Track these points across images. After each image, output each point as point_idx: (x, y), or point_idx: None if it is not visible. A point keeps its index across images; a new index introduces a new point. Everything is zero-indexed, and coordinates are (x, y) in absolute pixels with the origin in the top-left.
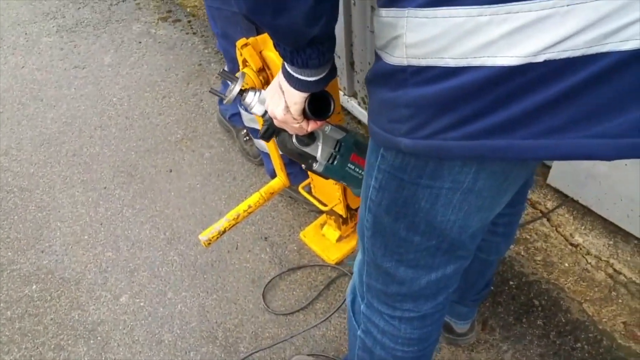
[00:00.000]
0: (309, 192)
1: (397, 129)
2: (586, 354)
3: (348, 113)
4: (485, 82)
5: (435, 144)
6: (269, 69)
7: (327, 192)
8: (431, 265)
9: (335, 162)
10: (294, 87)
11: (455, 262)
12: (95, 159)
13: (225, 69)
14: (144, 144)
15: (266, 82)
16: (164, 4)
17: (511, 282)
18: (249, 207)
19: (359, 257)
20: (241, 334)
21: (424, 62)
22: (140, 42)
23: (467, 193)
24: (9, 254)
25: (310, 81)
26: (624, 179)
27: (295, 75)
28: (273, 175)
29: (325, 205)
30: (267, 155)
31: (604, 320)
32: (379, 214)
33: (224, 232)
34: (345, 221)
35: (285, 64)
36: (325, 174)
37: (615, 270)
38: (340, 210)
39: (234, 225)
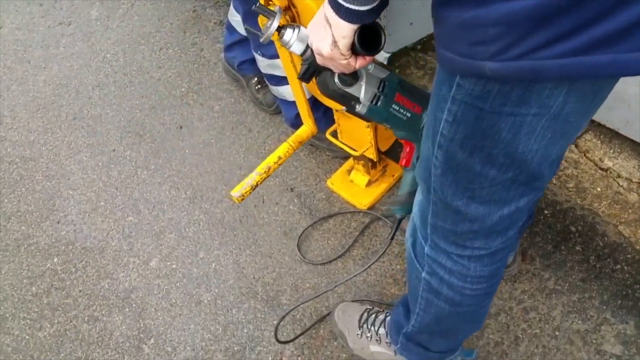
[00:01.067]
0: (336, 137)
1: (481, 52)
2: (627, 275)
3: None
4: None
5: (527, 65)
6: (294, 6)
7: (356, 136)
8: (505, 199)
9: (379, 103)
10: (343, 19)
11: (529, 193)
12: (98, 120)
13: (229, 16)
14: (147, 101)
15: (292, 21)
16: None
17: (546, 211)
18: (279, 158)
19: (418, 197)
20: (281, 287)
21: None
22: None
23: (554, 119)
24: (23, 228)
25: (363, 11)
26: None
27: (346, 4)
28: (293, 123)
29: (355, 150)
30: (285, 102)
31: None
32: (452, 150)
33: (257, 186)
34: (374, 165)
35: None
36: (368, 116)
37: None
38: (371, 154)
39: (265, 178)
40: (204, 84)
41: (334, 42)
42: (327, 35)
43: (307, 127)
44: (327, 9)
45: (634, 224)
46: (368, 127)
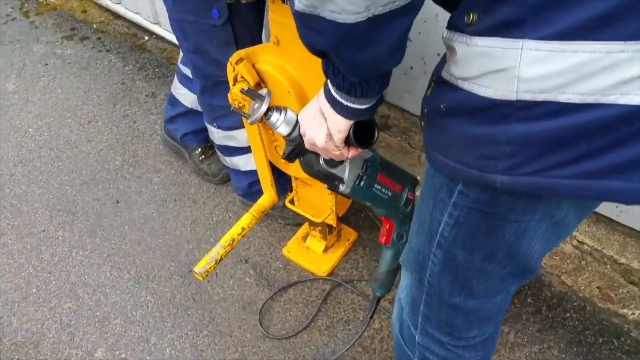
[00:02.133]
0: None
1: (492, 166)
2: (576, 322)
3: None
4: (612, 121)
5: (539, 182)
6: (263, 82)
7: (314, 203)
8: (499, 289)
9: (362, 183)
10: (341, 115)
11: (519, 282)
12: (23, 199)
13: (173, 89)
14: (78, 176)
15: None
16: (64, 21)
17: None
18: (243, 229)
19: (404, 282)
20: None
21: (540, 97)
22: (46, 64)
23: (555, 225)
24: None
25: (361, 109)
26: None
27: (344, 102)
28: (245, 193)
29: (315, 217)
30: (238, 172)
31: (582, 288)
32: (452, 250)
33: (221, 259)
34: (330, 230)
35: (332, 90)
36: (350, 195)
37: (579, 241)
38: (332, 220)
39: (229, 251)
40: (139, 157)
41: (329, 135)
42: (322, 127)
43: (269, 196)
44: (322, 103)
45: (573, 273)
46: (330, 193)
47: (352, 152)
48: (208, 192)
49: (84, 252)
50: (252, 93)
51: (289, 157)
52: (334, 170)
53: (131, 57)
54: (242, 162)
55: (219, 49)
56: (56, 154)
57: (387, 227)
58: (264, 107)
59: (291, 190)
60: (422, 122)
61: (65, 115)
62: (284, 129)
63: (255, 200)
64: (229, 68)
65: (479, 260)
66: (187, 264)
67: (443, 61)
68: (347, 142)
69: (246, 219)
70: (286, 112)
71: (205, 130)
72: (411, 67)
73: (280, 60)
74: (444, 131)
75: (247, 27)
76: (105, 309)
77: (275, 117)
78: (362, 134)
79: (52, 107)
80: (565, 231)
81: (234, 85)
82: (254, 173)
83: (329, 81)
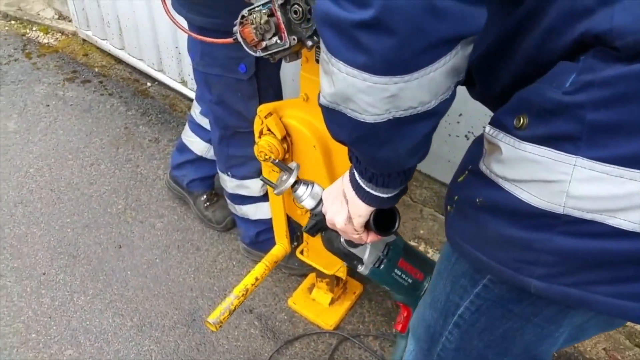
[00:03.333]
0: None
1: (529, 270)
2: None
3: None
4: None
5: (576, 294)
6: (289, 136)
7: (325, 255)
8: None
9: (382, 267)
10: (363, 200)
11: None
12: (24, 240)
13: (184, 136)
14: (80, 219)
15: (287, 150)
16: (65, 64)
17: None
18: (256, 279)
19: (410, 348)
20: None
21: (588, 216)
22: (48, 106)
23: (577, 330)
24: None
25: (382, 197)
26: None
27: (367, 189)
28: (253, 241)
29: (326, 269)
30: (246, 221)
31: (588, 349)
32: (470, 334)
33: (234, 310)
34: (337, 282)
35: (356, 175)
36: (369, 277)
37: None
38: (342, 273)
39: (243, 301)
40: (142, 201)
41: (349, 218)
42: (343, 210)
43: (282, 246)
44: (346, 186)
45: None
46: None
47: (371, 237)
48: (211, 239)
49: (85, 297)
50: (282, 165)
51: (311, 231)
52: (354, 250)
53: (134, 102)
54: (252, 211)
55: (243, 101)
56: (57, 196)
57: (405, 315)
58: (292, 180)
59: (301, 241)
60: (449, 207)
61: (66, 156)
62: (308, 203)
63: (262, 250)
64: (257, 121)
65: (494, 354)
66: (190, 313)
67: (477, 150)
68: (367, 226)
69: (259, 269)
70: (313, 186)
71: (211, 177)
72: None
73: (308, 115)
74: (478, 226)
75: (271, 81)
76: (108, 357)
77: (301, 190)
78: (382, 220)
79: (53, 148)
80: (583, 337)
81: (260, 137)
82: (262, 222)
83: (354, 168)
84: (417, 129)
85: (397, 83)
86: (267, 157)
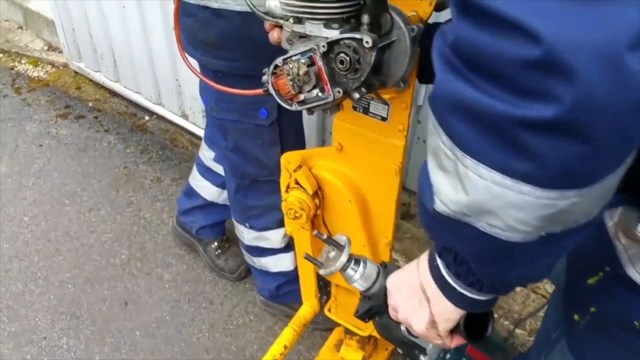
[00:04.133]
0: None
1: None
2: None
3: None
4: None
5: None
6: (320, 189)
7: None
8: None
9: (449, 356)
10: (453, 302)
11: None
12: (21, 300)
13: (192, 181)
14: (81, 273)
15: (319, 206)
16: (57, 98)
17: None
18: (285, 347)
19: None
20: None
21: None
22: (41, 145)
23: None
24: None
25: (480, 300)
26: None
27: (459, 289)
28: (273, 295)
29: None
30: (265, 273)
31: None
32: None
33: None
34: (369, 339)
35: (443, 270)
36: None
37: None
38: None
39: None
40: (147, 250)
41: (432, 322)
42: (423, 310)
43: (310, 306)
44: (426, 280)
45: None
46: None
47: (456, 342)
48: (225, 290)
49: None
50: (331, 241)
51: (362, 317)
52: (417, 339)
53: (132, 138)
54: (271, 263)
55: (263, 148)
56: (55, 247)
57: None
58: (344, 259)
59: (327, 295)
60: (578, 317)
61: (63, 202)
62: (360, 285)
63: (282, 302)
64: (285, 174)
65: None
66: None
67: (607, 241)
68: (454, 330)
69: (288, 334)
70: (365, 265)
71: (222, 223)
72: None
73: (342, 166)
74: (634, 353)
75: (294, 125)
76: None
77: (351, 271)
78: (471, 322)
79: (48, 193)
80: None
81: (287, 191)
82: (283, 275)
83: (440, 260)
84: (569, 243)
85: (570, 198)
86: (297, 214)
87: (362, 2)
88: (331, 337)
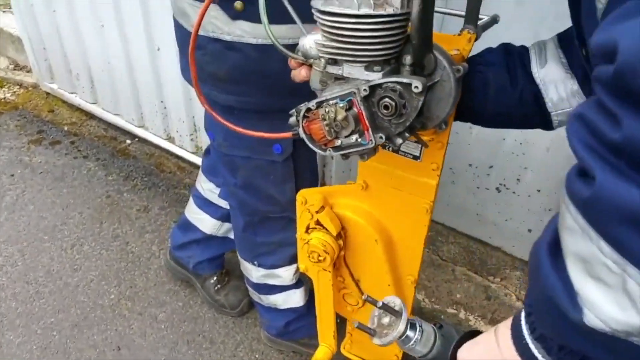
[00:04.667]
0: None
1: None
2: None
3: None
4: None
5: None
6: (343, 229)
7: (377, 350)
8: None
9: None
10: None
11: None
12: (0, 353)
13: (188, 213)
14: (67, 317)
15: (342, 247)
16: (29, 122)
17: None
18: None
19: None
20: None
21: None
22: (12, 175)
23: None
24: None
25: None
26: None
27: None
28: (281, 332)
29: None
30: (274, 310)
31: None
32: None
33: None
34: None
35: (538, 355)
36: None
37: None
38: None
39: None
40: (138, 287)
41: None
42: None
43: (328, 347)
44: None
45: None
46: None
47: None
48: (226, 327)
49: None
50: (387, 308)
51: None
52: None
53: (113, 164)
54: (281, 300)
55: (276, 185)
56: (36, 289)
57: None
58: (402, 327)
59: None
60: None
61: (42, 238)
62: (419, 352)
63: (290, 339)
64: (305, 215)
65: None
66: None
67: None
68: None
69: None
70: (422, 329)
71: (221, 256)
72: None
73: (367, 204)
74: None
75: (308, 161)
76: None
77: (409, 338)
78: None
79: (24, 229)
80: None
81: (308, 232)
82: (292, 311)
83: (533, 343)
84: None
85: None
86: (320, 257)
87: (404, 41)
88: None
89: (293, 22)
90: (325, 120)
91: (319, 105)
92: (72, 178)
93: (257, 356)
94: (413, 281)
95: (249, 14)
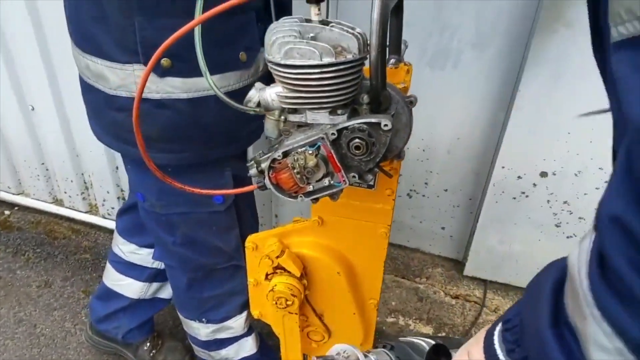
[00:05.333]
0: None
1: None
2: None
3: None
4: None
5: None
6: (305, 268)
7: None
8: None
9: None
10: None
11: None
12: None
13: (109, 282)
14: None
15: (306, 287)
16: None
17: None
18: None
19: None
20: None
21: None
22: None
23: None
24: None
25: None
26: (539, 252)
27: None
28: None
29: None
30: None
31: None
32: None
33: None
34: None
35: None
36: None
37: None
38: None
39: None
40: None
41: None
42: None
43: None
44: None
45: None
46: None
47: None
48: None
49: None
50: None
51: None
52: None
53: None
54: (232, 352)
55: (220, 235)
56: None
57: None
58: None
59: None
60: None
61: None
62: None
63: None
64: (264, 262)
65: None
66: None
67: None
68: None
69: None
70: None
71: (151, 320)
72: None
73: (324, 239)
74: None
75: (249, 205)
76: None
77: None
78: None
79: None
80: None
81: (268, 279)
82: None
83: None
84: None
85: None
86: (288, 302)
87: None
88: None
89: (222, 71)
90: (295, 168)
91: (286, 154)
92: None
93: None
94: (375, 304)
95: (178, 69)
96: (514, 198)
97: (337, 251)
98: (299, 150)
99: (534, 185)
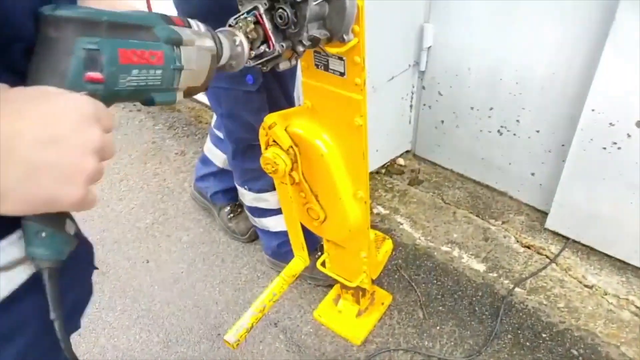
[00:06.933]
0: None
1: None
2: None
3: None
4: None
5: None
6: (296, 145)
7: (347, 266)
8: None
9: None
10: None
11: None
12: None
13: (206, 149)
14: (109, 235)
15: (295, 161)
16: None
17: (544, 335)
18: (274, 294)
19: None
20: None
21: None
22: None
23: None
24: None
25: None
26: (629, 218)
27: None
28: (275, 252)
29: (349, 280)
30: (267, 233)
31: None
32: None
33: (252, 327)
34: (363, 293)
35: None
36: None
37: (637, 307)
38: (366, 284)
39: (260, 318)
40: (169, 215)
41: None
42: None
43: (300, 259)
44: None
45: (634, 343)
46: (364, 257)
47: None
48: (236, 250)
49: (114, 314)
50: None
51: None
52: None
53: (161, 116)
54: (272, 224)
55: (252, 113)
56: (87, 213)
57: None
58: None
59: (322, 251)
60: None
61: None
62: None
63: (284, 260)
64: (262, 132)
65: None
66: (215, 327)
67: None
68: None
69: (277, 283)
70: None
71: (234, 189)
72: (442, 121)
73: (313, 123)
74: None
75: (282, 91)
76: None
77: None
78: None
79: None
80: None
81: (267, 149)
82: (283, 234)
83: None
84: None
85: None
86: (273, 168)
87: None
88: (331, 292)
89: None
90: (243, 33)
91: (236, 20)
92: (127, 127)
93: (258, 275)
94: (361, 197)
95: None
96: (604, 148)
97: (323, 136)
98: (242, 17)
99: (628, 136)
